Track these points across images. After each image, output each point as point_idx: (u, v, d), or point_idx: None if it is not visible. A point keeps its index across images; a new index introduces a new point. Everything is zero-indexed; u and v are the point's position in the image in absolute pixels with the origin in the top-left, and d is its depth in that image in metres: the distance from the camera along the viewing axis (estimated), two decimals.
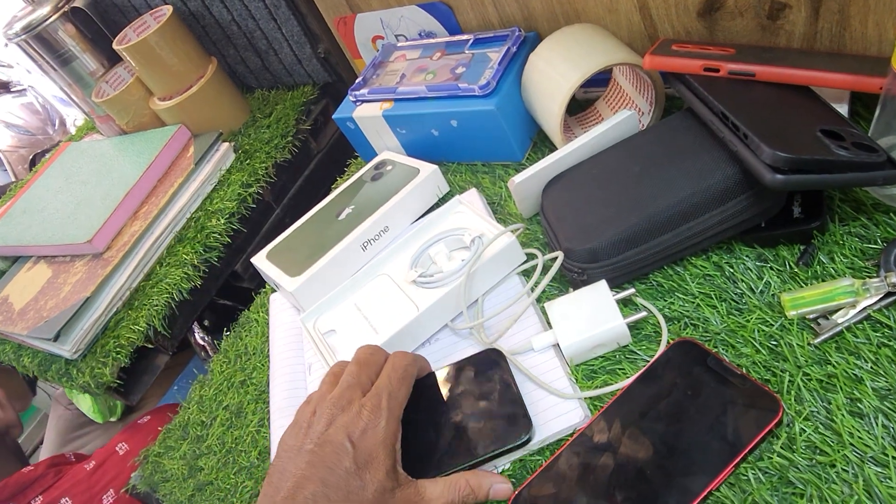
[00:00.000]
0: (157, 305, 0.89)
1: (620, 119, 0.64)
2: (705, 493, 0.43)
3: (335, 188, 0.83)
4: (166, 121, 1.10)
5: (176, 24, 1.02)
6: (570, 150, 0.64)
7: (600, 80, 0.77)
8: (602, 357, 0.55)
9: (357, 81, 0.84)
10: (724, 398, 0.47)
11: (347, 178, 0.84)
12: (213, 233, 0.94)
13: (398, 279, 0.67)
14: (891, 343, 0.46)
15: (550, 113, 0.67)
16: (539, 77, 0.69)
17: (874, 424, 0.43)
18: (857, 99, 0.60)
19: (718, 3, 0.64)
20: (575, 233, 0.57)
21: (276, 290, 0.79)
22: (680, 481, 0.44)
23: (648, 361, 0.52)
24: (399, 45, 0.87)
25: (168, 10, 1.03)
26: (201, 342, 1.07)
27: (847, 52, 0.62)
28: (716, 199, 0.53)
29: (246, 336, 0.79)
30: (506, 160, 0.77)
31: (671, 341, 0.52)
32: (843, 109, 0.58)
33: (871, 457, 0.42)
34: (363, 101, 0.82)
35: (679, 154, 0.57)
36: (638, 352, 0.54)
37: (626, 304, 0.57)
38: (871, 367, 0.46)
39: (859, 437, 0.43)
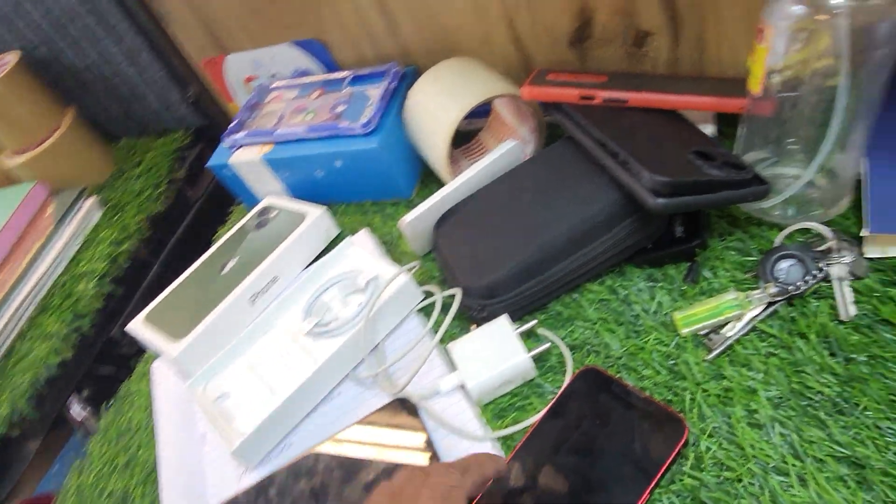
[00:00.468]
0: (20, 386, 0.79)
1: (505, 150, 0.64)
2: None
3: (217, 240, 0.78)
4: (21, 178, 0.99)
5: (23, 72, 0.94)
6: (457, 185, 0.63)
7: (482, 111, 0.77)
8: (510, 393, 0.54)
9: (231, 125, 0.79)
10: (632, 424, 0.47)
11: (230, 228, 0.79)
12: (83, 298, 0.86)
13: (292, 332, 0.63)
14: (777, 352, 0.48)
15: (435, 147, 0.66)
16: (421, 112, 0.68)
17: (772, 433, 0.44)
18: (722, 118, 0.64)
19: (587, 33, 0.67)
20: (471, 269, 0.56)
21: (158, 357, 0.72)
22: None
23: (556, 393, 0.52)
24: (274, 85, 0.83)
25: (13, 56, 0.94)
26: (79, 418, 0.97)
27: (708, 75, 0.65)
28: (604, 224, 0.54)
29: (128, 410, 0.71)
30: (395, 197, 0.75)
31: (576, 371, 0.52)
32: (710, 130, 0.61)
33: (773, 467, 0.43)
34: (240, 146, 0.78)
35: (566, 181, 0.57)
36: (545, 384, 0.53)
37: (528, 337, 0.56)
38: (763, 378, 0.47)
39: (760, 449, 0.44)
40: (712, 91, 0.59)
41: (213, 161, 0.79)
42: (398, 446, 0.52)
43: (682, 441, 0.45)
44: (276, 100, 0.82)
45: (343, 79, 0.77)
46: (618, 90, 0.60)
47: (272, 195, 0.80)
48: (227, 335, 0.65)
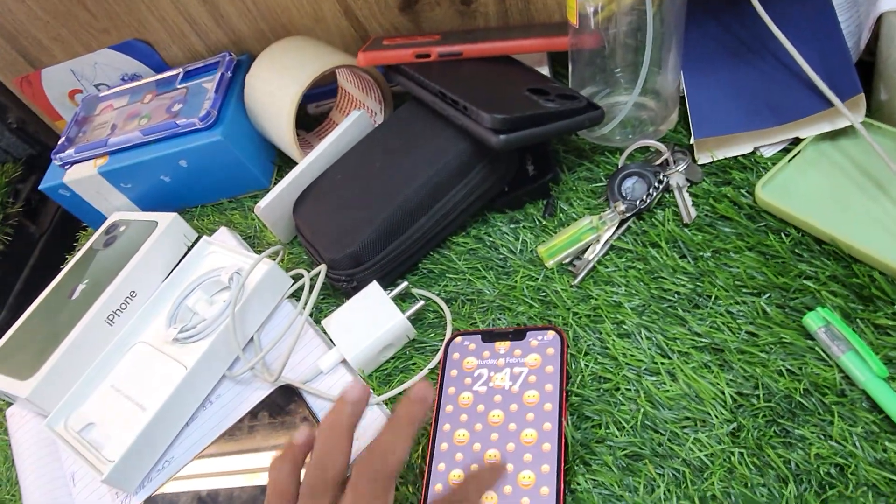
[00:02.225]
0: None
1: (353, 120, 0.63)
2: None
3: (63, 268, 0.71)
4: None
5: None
6: (309, 162, 0.61)
7: (328, 91, 0.76)
8: (393, 358, 0.53)
9: (60, 143, 0.73)
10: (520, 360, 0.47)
11: (76, 254, 0.73)
12: None
13: (157, 343, 0.58)
14: (635, 264, 0.50)
15: (281, 130, 0.64)
16: (260, 97, 0.65)
17: (640, 339, 0.46)
18: (556, 60, 0.66)
19: None
20: (333, 242, 0.55)
21: (12, 403, 0.65)
22: None
23: (438, 347, 0.51)
24: (102, 94, 0.78)
25: None
26: None
27: (537, 22, 0.67)
28: (456, 174, 0.54)
29: None
30: (252, 190, 0.72)
31: (444, 343, 0.51)
32: (545, 71, 0.63)
33: (645, 369, 0.45)
34: (72, 163, 0.72)
35: (414, 141, 0.57)
36: (425, 340, 0.53)
37: (403, 300, 0.56)
38: (626, 290, 0.49)
39: (632, 355, 0.46)
40: (541, 34, 0.60)
41: (46, 183, 0.72)
42: (285, 433, 0.50)
43: (564, 345, 0.46)
44: (107, 110, 0.76)
45: (175, 76, 0.73)
46: (452, 44, 0.60)
47: (120, 211, 0.75)
48: (86, 362, 0.60)
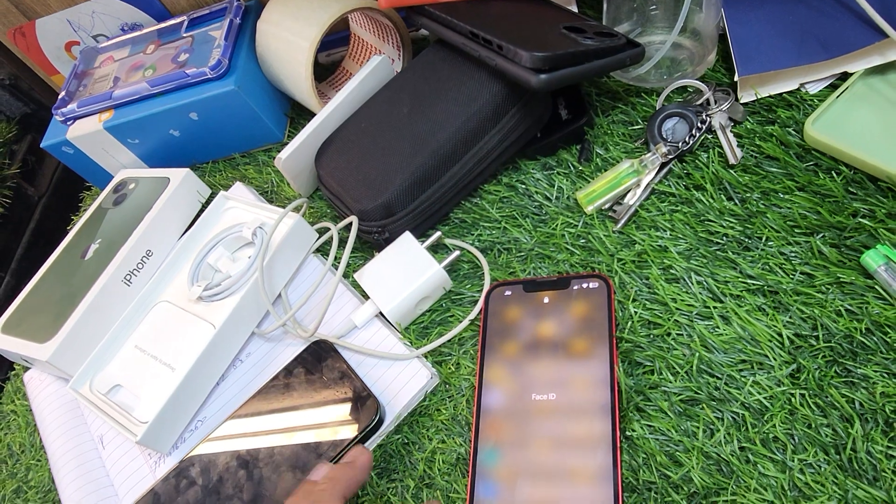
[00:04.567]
0: None
1: (374, 65, 0.60)
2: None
3: (71, 229, 0.69)
4: None
5: None
6: (330, 111, 0.58)
7: (340, 39, 0.73)
8: (430, 310, 0.51)
9: (60, 97, 0.70)
10: (562, 308, 0.46)
11: (84, 213, 0.70)
12: None
13: (181, 302, 0.57)
14: (679, 207, 0.49)
15: (298, 78, 0.61)
16: (275, 43, 0.62)
17: (690, 283, 0.45)
18: (584, 4, 0.63)
19: None
20: (363, 192, 0.53)
21: (30, 367, 0.63)
22: None
23: (476, 298, 0.50)
24: (102, 46, 0.74)
25: None
26: None
27: None
28: (490, 118, 0.52)
29: (6, 435, 0.62)
30: (266, 144, 0.69)
31: (485, 292, 0.50)
32: (574, 8, 0.60)
33: (696, 314, 0.44)
34: (74, 118, 0.69)
35: (443, 84, 0.54)
36: (463, 291, 0.51)
37: (436, 251, 0.54)
38: (671, 234, 0.48)
39: (682, 300, 0.44)
40: None
41: (48, 140, 0.69)
42: (323, 390, 0.48)
43: (612, 292, 0.45)
44: (108, 62, 0.72)
45: (179, 24, 0.70)
46: None
47: (127, 168, 0.72)
48: (106, 323, 0.58)
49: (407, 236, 0.52)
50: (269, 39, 0.63)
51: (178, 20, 0.70)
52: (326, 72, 0.73)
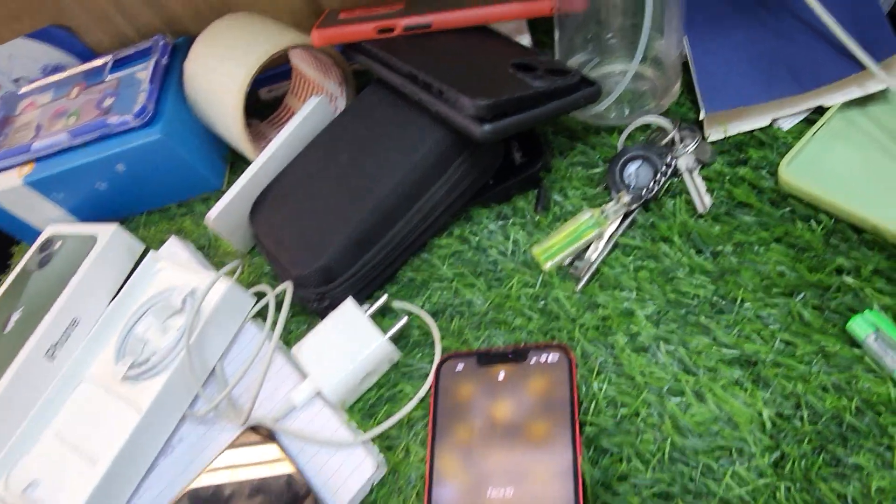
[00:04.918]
0: None
1: (311, 108, 0.55)
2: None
3: None
4: None
5: None
6: (264, 161, 0.53)
7: (281, 73, 0.67)
8: (377, 385, 0.46)
9: None
10: (520, 382, 0.41)
11: (7, 277, 0.65)
12: None
13: (105, 381, 0.51)
14: (645, 263, 0.44)
15: (229, 125, 0.56)
16: (203, 86, 0.57)
17: (659, 353, 0.40)
18: (536, 28, 0.58)
19: None
20: (300, 255, 0.47)
21: None
22: None
23: (427, 371, 0.45)
24: (22, 91, 0.68)
25: None
26: None
27: None
28: (435, 169, 0.47)
29: None
30: (203, 192, 0.64)
31: (435, 366, 0.45)
32: (525, 41, 0.55)
33: (667, 389, 0.39)
34: None
35: (383, 130, 0.49)
36: (412, 362, 0.46)
37: (384, 315, 0.49)
38: (637, 295, 0.43)
39: (651, 373, 0.40)
40: None
41: None
42: (258, 484, 0.43)
43: (573, 366, 0.40)
44: (30, 108, 0.67)
45: (103, 66, 0.64)
46: (418, 15, 0.52)
47: (54, 223, 0.66)
48: (25, 406, 0.52)
49: (349, 304, 0.47)
50: (196, 82, 0.57)
51: (103, 61, 0.64)
52: (269, 109, 0.68)
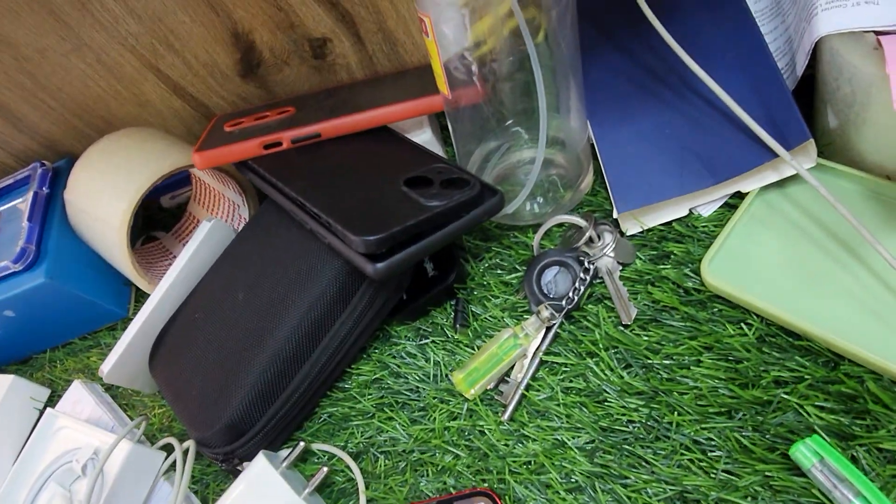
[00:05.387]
0: None
1: (204, 234, 0.50)
2: None
3: None
4: None
5: None
6: (158, 300, 0.49)
7: (183, 179, 0.63)
8: None
9: None
10: None
11: None
12: None
13: None
14: (573, 383, 0.40)
15: (117, 260, 0.51)
16: (85, 220, 0.52)
17: (596, 494, 0.37)
18: (441, 115, 0.55)
19: (256, 59, 0.54)
20: (199, 414, 0.43)
21: None
22: None
23: None
24: None
25: None
26: None
27: (410, 66, 0.56)
28: (337, 301, 0.43)
29: None
30: (108, 323, 0.59)
31: None
32: (428, 135, 0.51)
33: None
34: None
35: (279, 260, 0.45)
36: None
37: (304, 461, 0.45)
38: (567, 423, 0.39)
39: None
40: (416, 91, 0.49)
41: None
42: None
43: None
44: None
45: None
46: (305, 124, 0.48)
47: None
48: None
49: (260, 461, 0.42)
50: (79, 216, 0.53)
51: None
52: (173, 218, 0.63)
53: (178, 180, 0.63)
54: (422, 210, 0.40)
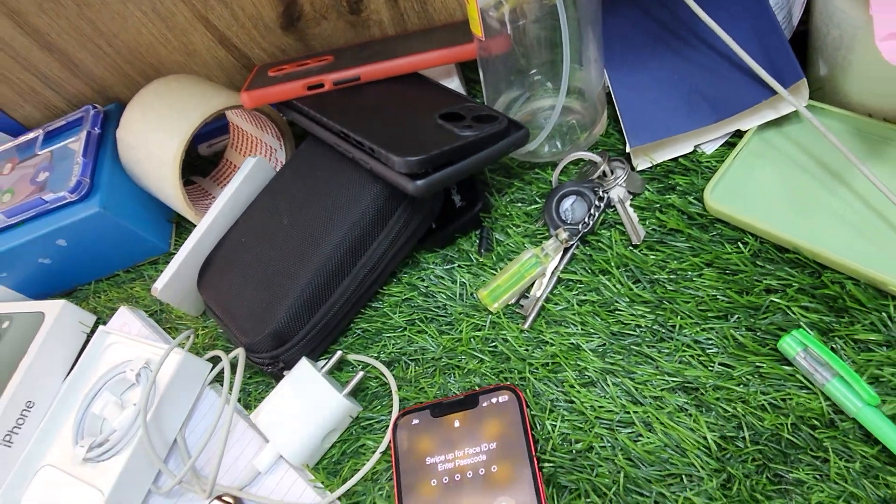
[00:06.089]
0: None
1: (248, 169, 0.55)
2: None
3: None
4: None
5: None
6: (206, 228, 0.53)
7: (220, 127, 0.67)
8: (339, 440, 0.47)
9: None
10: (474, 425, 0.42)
11: None
12: None
13: (65, 465, 0.51)
14: (587, 296, 0.45)
15: (167, 193, 0.56)
16: (137, 156, 0.57)
17: (607, 387, 0.42)
18: (465, 66, 0.59)
19: (297, 13, 0.59)
20: (248, 321, 0.48)
21: None
22: None
23: (387, 422, 0.46)
24: None
25: None
26: None
27: (438, 24, 0.61)
28: (375, 223, 0.47)
29: None
30: (151, 256, 0.63)
31: (391, 425, 0.45)
32: (455, 83, 0.56)
33: (617, 422, 0.40)
34: None
35: (321, 188, 0.50)
36: (373, 415, 0.47)
37: (340, 370, 0.49)
38: (582, 330, 0.44)
39: (601, 407, 0.41)
40: (445, 42, 0.54)
41: None
42: None
43: (524, 406, 0.41)
44: None
45: (34, 139, 0.63)
46: (346, 69, 0.53)
47: (0, 302, 0.65)
48: None
49: (303, 364, 0.47)
50: (130, 152, 0.57)
51: (33, 135, 0.64)
52: (210, 164, 0.68)
53: (216, 129, 0.68)
54: (456, 139, 0.45)
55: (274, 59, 0.62)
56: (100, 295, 0.64)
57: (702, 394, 0.39)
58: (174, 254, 0.63)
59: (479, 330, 0.47)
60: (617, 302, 0.44)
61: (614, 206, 0.48)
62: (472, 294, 0.49)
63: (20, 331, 0.59)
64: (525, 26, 0.45)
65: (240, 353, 0.47)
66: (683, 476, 0.38)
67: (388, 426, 0.46)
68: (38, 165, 0.61)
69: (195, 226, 0.62)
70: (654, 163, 0.48)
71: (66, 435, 0.52)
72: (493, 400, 0.42)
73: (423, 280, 0.51)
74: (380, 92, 0.52)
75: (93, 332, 0.61)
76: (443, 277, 0.50)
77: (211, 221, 0.53)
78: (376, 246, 0.48)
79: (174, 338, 0.57)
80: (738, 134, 0.47)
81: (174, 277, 0.52)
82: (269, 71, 0.56)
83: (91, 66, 0.61)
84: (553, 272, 0.47)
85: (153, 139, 0.55)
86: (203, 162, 0.69)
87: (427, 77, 0.55)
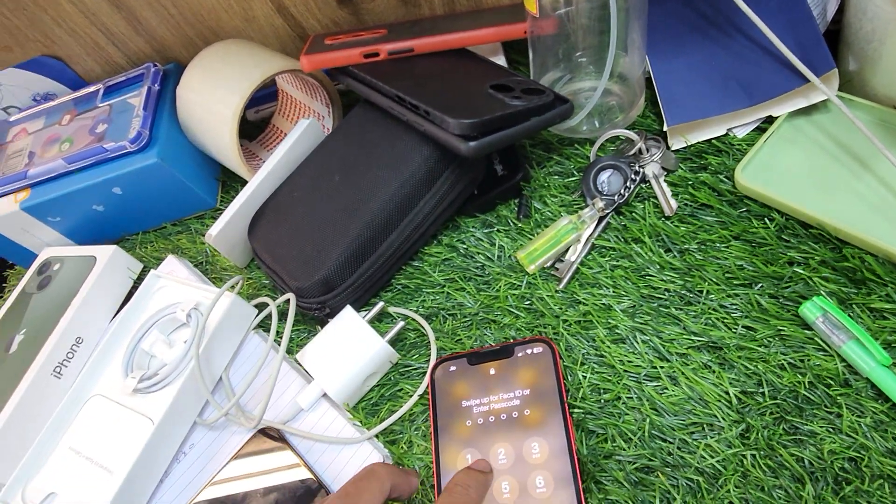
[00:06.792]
0: None
1: (302, 129, 0.58)
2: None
3: None
4: None
5: None
6: (260, 181, 0.56)
7: (268, 94, 0.71)
8: (378, 385, 0.50)
9: None
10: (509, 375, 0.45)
11: (7, 298, 0.66)
12: None
13: (115, 395, 0.54)
14: (620, 262, 0.48)
15: (224, 148, 0.59)
16: (197, 112, 0.60)
17: (636, 343, 0.45)
18: (510, 47, 0.62)
19: None
20: (299, 268, 0.51)
21: None
22: None
23: (424, 369, 0.49)
24: (13, 118, 0.70)
25: None
26: None
27: (485, 6, 0.64)
28: (424, 183, 0.50)
29: None
30: (197, 211, 0.67)
31: (431, 367, 0.48)
32: (501, 61, 0.59)
33: (644, 375, 0.43)
34: None
35: (373, 149, 0.53)
36: (411, 363, 0.50)
37: (380, 321, 0.53)
38: (614, 292, 0.47)
39: (629, 361, 0.44)
40: (494, 22, 0.57)
41: None
42: (272, 482, 0.46)
43: (557, 357, 0.44)
44: (21, 135, 0.69)
45: (94, 93, 0.66)
46: (401, 40, 0.56)
47: (50, 246, 0.68)
48: (36, 423, 0.54)
49: (348, 311, 0.50)
50: (190, 107, 0.60)
51: (94, 88, 0.67)
52: (256, 129, 0.71)
53: (263, 96, 0.71)
54: (506, 107, 0.48)
55: (327, 30, 0.65)
56: (146, 245, 0.67)
57: (725, 353, 0.42)
58: (221, 210, 0.66)
59: (516, 289, 0.50)
60: (648, 268, 0.47)
61: (649, 182, 0.51)
62: (509, 256, 0.52)
63: (72, 272, 0.62)
64: (577, 9, 0.49)
65: (291, 297, 0.50)
66: (705, 425, 0.41)
67: (424, 373, 0.49)
68: (97, 117, 0.65)
69: (242, 184, 0.66)
70: (689, 143, 0.51)
71: (116, 369, 0.55)
72: (528, 351, 0.45)
73: (462, 242, 0.54)
74: (432, 63, 0.55)
75: (139, 279, 0.64)
76: (482, 240, 0.53)
77: (265, 175, 0.57)
78: (423, 204, 0.51)
79: (219, 287, 0.60)
80: (770, 120, 0.50)
81: (228, 225, 0.55)
82: (325, 40, 0.60)
83: (154, 26, 0.64)
84: (588, 239, 0.50)
85: (214, 96, 0.58)
86: (250, 126, 0.72)
87: (476, 53, 0.58)
